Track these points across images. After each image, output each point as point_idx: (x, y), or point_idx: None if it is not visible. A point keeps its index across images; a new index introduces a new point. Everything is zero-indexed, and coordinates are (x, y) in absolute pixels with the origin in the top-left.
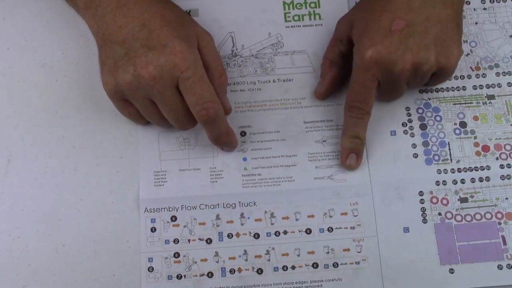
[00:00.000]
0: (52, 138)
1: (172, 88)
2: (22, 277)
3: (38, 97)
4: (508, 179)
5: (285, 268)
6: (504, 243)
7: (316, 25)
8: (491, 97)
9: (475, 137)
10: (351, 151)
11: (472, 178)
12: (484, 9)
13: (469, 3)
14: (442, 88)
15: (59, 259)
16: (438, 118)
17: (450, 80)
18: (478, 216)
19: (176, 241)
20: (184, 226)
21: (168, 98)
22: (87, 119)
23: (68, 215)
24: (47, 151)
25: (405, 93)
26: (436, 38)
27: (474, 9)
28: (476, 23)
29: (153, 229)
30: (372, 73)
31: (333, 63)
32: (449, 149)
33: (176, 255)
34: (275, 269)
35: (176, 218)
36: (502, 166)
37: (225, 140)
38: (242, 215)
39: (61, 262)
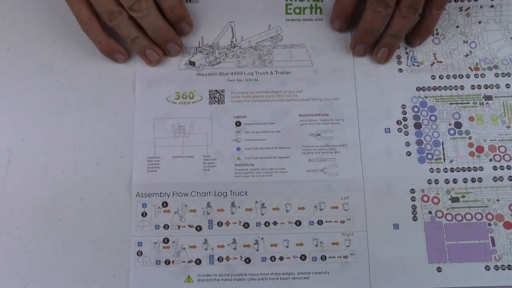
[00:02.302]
0: (52, 138)
1: None
2: (22, 277)
3: (38, 97)
4: (501, 181)
5: (273, 258)
6: (493, 244)
7: (316, 19)
8: (488, 97)
9: (470, 138)
10: (360, 42)
11: (465, 178)
12: (492, 6)
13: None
14: (439, 86)
15: (59, 259)
16: (433, 118)
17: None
18: (468, 216)
19: (166, 226)
20: (175, 213)
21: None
22: (87, 119)
23: (68, 215)
24: (47, 151)
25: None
26: None
27: (481, 7)
28: (480, 22)
29: (144, 214)
30: None
31: None
32: (443, 149)
33: (165, 240)
34: (263, 259)
35: (167, 204)
36: (495, 168)
37: (166, 33)
38: (233, 204)
39: (61, 262)
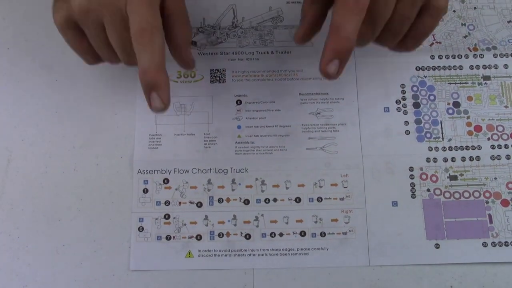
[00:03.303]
0: (52, 138)
1: (123, 12)
2: (22, 277)
3: (38, 97)
4: (498, 159)
5: (272, 234)
6: (491, 221)
7: None
8: (486, 78)
9: (468, 117)
10: (336, 55)
11: (463, 157)
12: None
13: None
14: (438, 66)
15: (59, 259)
16: (432, 97)
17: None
18: (466, 194)
19: (167, 203)
20: (176, 189)
21: (117, 22)
22: (87, 119)
23: (68, 215)
24: (47, 151)
25: (385, 29)
26: None
27: None
28: (475, 8)
29: (145, 190)
30: None
31: (314, 0)
32: (441, 128)
33: (166, 216)
34: (263, 235)
35: (168, 181)
36: (493, 147)
37: (153, 76)
38: (233, 181)
39: (61, 262)
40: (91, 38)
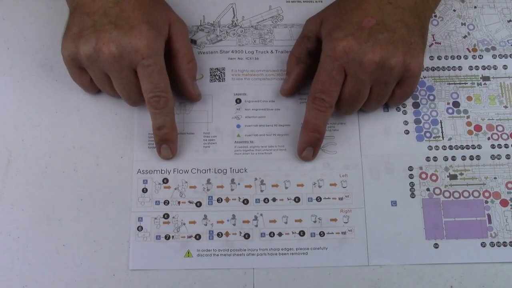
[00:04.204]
0: (52, 138)
1: (130, 69)
2: (22, 277)
3: (38, 97)
4: (498, 159)
5: (272, 234)
6: (490, 221)
7: (316, 1)
8: (486, 78)
9: (468, 117)
10: (308, 145)
11: (463, 156)
12: None
13: None
14: (438, 66)
15: (59, 259)
16: (431, 97)
17: (417, 88)
18: (466, 194)
19: (166, 202)
20: (175, 189)
21: (123, 77)
22: (87, 119)
23: (68, 215)
24: (47, 151)
25: (365, 102)
26: (404, 39)
27: None
28: (475, 7)
29: (145, 190)
30: (340, 63)
31: (299, 60)
32: (441, 127)
33: (165, 216)
34: (262, 235)
35: (167, 181)
36: (493, 146)
37: (167, 132)
38: (232, 181)
39: (61, 262)
40: (95, 80)
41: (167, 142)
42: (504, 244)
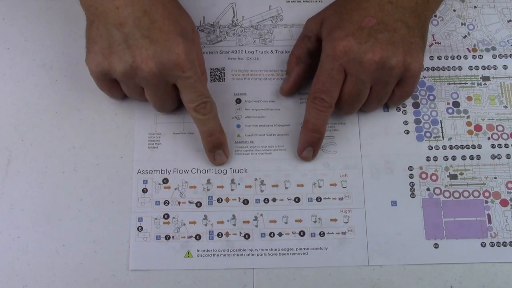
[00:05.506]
0: (52, 138)
1: (168, 83)
2: (22, 277)
3: (38, 97)
4: (499, 159)
5: (272, 234)
6: (489, 221)
7: (316, 1)
8: (486, 78)
9: (468, 117)
10: (308, 145)
11: (463, 156)
12: None
13: None
14: (438, 67)
15: (59, 259)
16: (431, 97)
17: (414, 93)
18: (466, 194)
19: (166, 202)
20: (175, 189)
21: (161, 91)
22: (87, 119)
23: (68, 215)
24: (47, 151)
25: (365, 102)
26: (404, 39)
27: None
28: (475, 7)
29: (145, 190)
30: (340, 63)
31: (299, 59)
32: (441, 127)
33: (165, 216)
34: (262, 235)
35: (167, 181)
36: (493, 146)
37: (218, 137)
38: (232, 181)
39: (61, 262)
40: (127, 91)
41: (221, 147)
42: (504, 244)
